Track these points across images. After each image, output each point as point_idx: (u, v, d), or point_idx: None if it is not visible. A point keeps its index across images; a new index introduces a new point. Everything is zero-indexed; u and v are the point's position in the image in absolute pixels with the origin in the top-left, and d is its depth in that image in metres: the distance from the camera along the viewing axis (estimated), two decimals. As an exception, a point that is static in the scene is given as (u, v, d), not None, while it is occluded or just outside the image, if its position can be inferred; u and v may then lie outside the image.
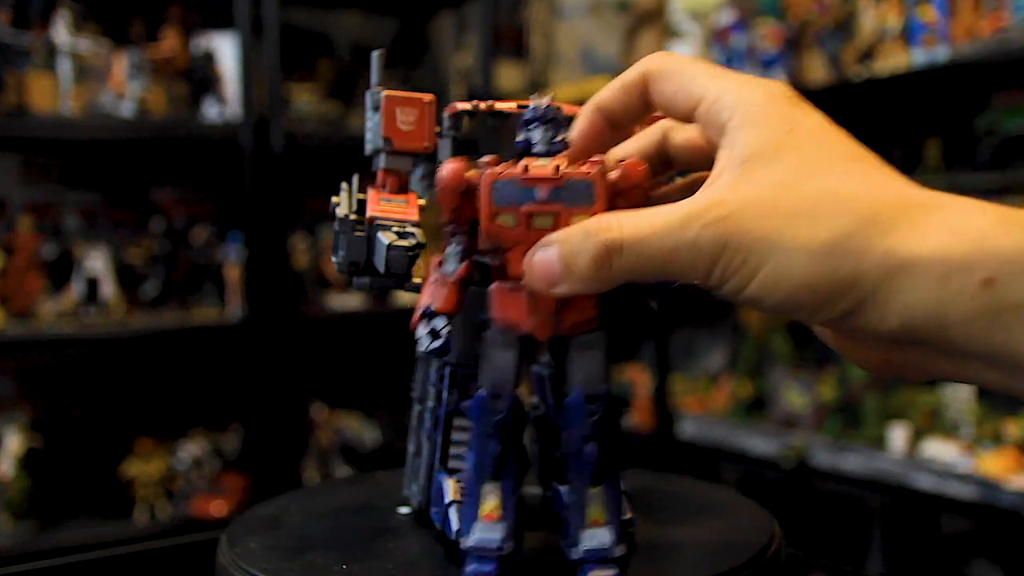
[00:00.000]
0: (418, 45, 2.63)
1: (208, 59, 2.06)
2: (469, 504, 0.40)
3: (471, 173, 0.39)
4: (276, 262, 2.06)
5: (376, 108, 0.49)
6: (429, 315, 0.40)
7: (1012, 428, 1.64)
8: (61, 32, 1.91)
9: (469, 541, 0.39)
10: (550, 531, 0.48)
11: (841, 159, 0.35)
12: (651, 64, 0.40)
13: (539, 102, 0.39)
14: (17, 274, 1.90)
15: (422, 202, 0.48)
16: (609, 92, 0.41)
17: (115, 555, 0.61)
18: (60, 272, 1.97)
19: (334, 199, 0.46)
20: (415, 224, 0.45)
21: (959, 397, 1.75)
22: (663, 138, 0.44)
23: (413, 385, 0.52)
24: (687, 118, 0.39)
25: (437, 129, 0.50)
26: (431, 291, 0.41)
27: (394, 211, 0.46)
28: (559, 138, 0.39)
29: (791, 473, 1.93)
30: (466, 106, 0.50)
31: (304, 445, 2.15)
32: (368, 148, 0.50)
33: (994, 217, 0.32)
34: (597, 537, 0.38)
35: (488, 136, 2.30)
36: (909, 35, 1.73)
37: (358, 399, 2.34)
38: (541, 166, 0.37)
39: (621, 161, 0.39)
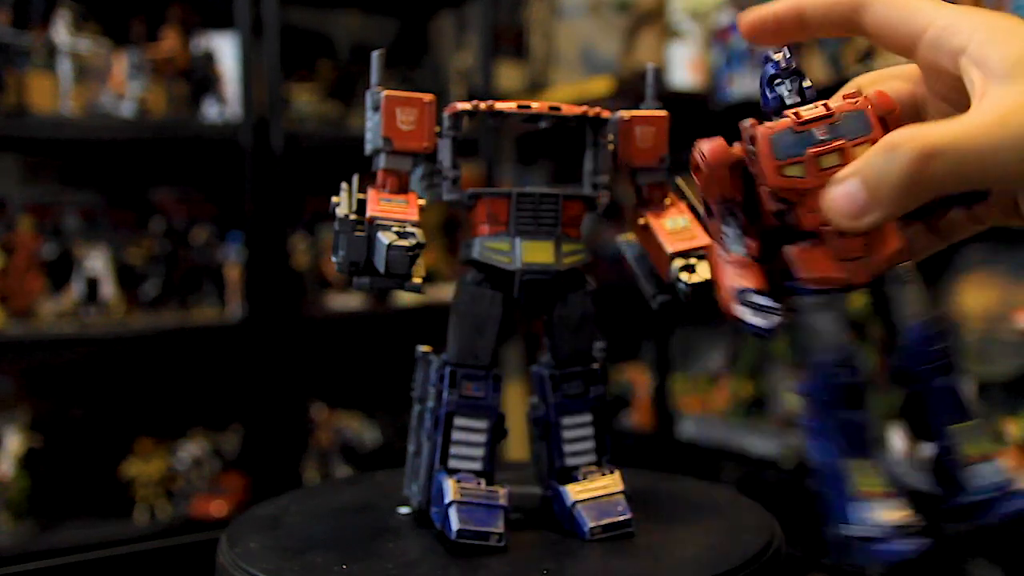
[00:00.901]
0: (418, 45, 2.63)
1: (208, 59, 2.06)
2: (836, 487, 0.35)
3: (730, 148, 0.38)
4: (276, 262, 2.06)
5: (376, 108, 0.49)
6: (748, 296, 0.37)
7: (1012, 428, 1.63)
8: (61, 32, 1.91)
9: (869, 523, 0.34)
10: (552, 527, 0.48)
11: None
12: None
13: (779, 56, 0.39)
14: (17, 274, 1.90)
15: (422, 202, 0.48)
16: (820, 3, 0.40)
17: (115, 555, 0.61)
18: (60, 272, 1.97)
19: (334, 199, 0.46)
20: (415, 224, 0.45)
21: (959, 397, 1.75)
22: (856, 9, 0.41)
23: (413, 385, 0.52)
24: (903, 48, 0.38)
25: (437, 129, 0.50)
26: (732, 272, 0.38)
27: (394, 211, 0.46)
28: (807, 84, 0.39)
29: (791, 473, 1.93)
30: (466, 106, 0.50)
31: (304, 445, 2.15)
32: (368, 148, 0.50)
33: None
34: (988, 471, 0.35)
35: (488, 136, 2.30)
36: (909, 35, 1.73)
37: (358, 399, 2.34)
38: (810, 109, 0.37)
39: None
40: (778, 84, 0.39)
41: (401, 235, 0.44)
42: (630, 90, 2.02)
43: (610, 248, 2.20)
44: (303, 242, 2.18)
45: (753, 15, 0.42)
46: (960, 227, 0.42)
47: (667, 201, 0.53)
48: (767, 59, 0.39)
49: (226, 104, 2.05)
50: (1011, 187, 0.35)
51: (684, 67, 2.17)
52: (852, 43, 1.85)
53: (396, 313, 2.23)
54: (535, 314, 0.51)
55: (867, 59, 1.81)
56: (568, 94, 2.26)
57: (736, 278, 0.38)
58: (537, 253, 0.49)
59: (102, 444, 2.07)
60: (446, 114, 0.50)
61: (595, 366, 0.52)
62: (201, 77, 2.05)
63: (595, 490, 0.48)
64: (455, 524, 0.45)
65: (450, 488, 0.46)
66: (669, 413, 2.26)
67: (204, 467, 2.02)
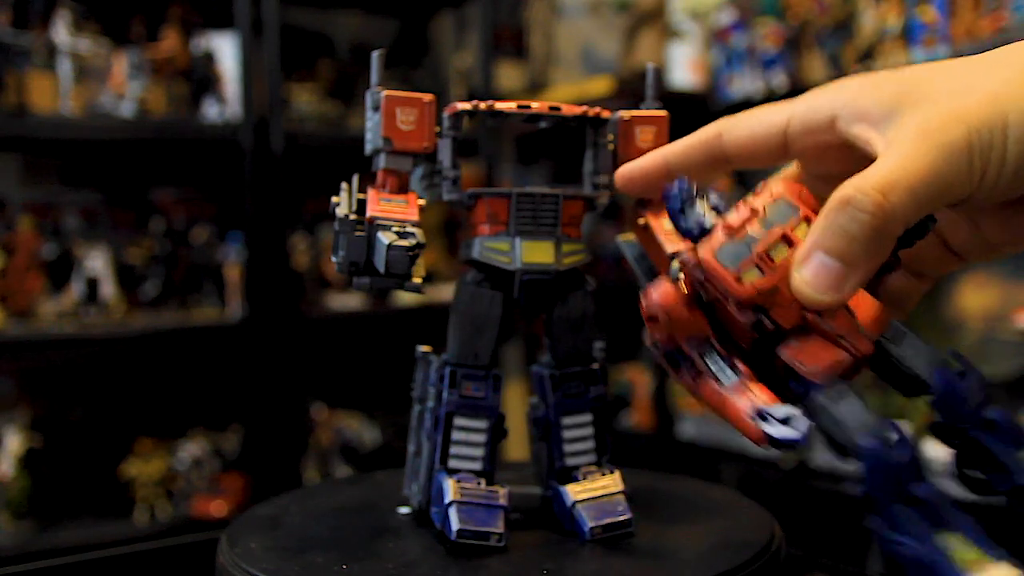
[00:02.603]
0: (418, 45, 2.63)
1: (208, 59, 2.06)
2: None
3: (671, 288, 0.38)
4: (276, 262, 2.06)
5: (376, 108, 0.49)
6: (767, 414, 0.36)
7: (1012, 428, 1.63)
8: (61, 32, 1.91)
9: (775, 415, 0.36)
10: (551, 528, 0.48)
11: (962, 60, 0.37)
12: (722, 122, 0.42)
13: (675, 186, 0.39)
14: (17, 274, 1.90)
15: (422, 202, 0.48)
16: (678, 149, 0.43)
17: (115, 555, 0.61)
18: (60, 272, 1.97)
19: (334, 199, 0.46)
20: (415, 224, 0.45)
21: (959, 397, 1.75)
22: (716, 137, 0.44)
23: (413, 385, 0.52)
24: (770, 152, 0.40)
25: (437, 129, 0.50)
26: (741, 398, 0.37)
27: (394, 211, 0.46)
28: (714, 199, 0.39)
29: (791, 473, 1.93)
30: (466, 106, 0.50)
31: (304, 445, 2.15)
32: (368, 148, 0.50)
33: None
34: None
35: (488, 136, 2.30)
36: (909, 35, 1.73)
37: (358, 399, 2.34)
38: (733, 215, 0.37)
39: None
40: (687, 212, 0.38)
41: (401, 235, 0.44)
42: (630, 90, 2.02)
43: (610, 248, 2.20)
44: (303, 242, 2.18)
45: (623, 172, 0.46)
46: (936, 262, 0.43)
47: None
48: (665, 195, 0.39)
49: (226, 104, 2.05)
50: (956, 198, 0.35)
51: (684, 67, 2.17)
52: (852, 43, 1.85)
53: (396, 313, 2.23)
54: (535, 314, 0.51)
55: (867, 59, 1.81)
56: (568, 94, 2.26)
57: (746, 402, 0.37)
58: (537, 253, 0.49)
59: (102, 444, 2.07)
60: (446, 114, 0.50)
61: (595, 366, 0.52)
62: (201, 77, 2.05)
63: (595, 490, 0.48)
64: (455, 524, 0.45)
65: (450, 488, 0.46)
66: (669, 413, 2.26)
67: (204, 467, 2.02)
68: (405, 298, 2.16)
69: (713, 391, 0.38)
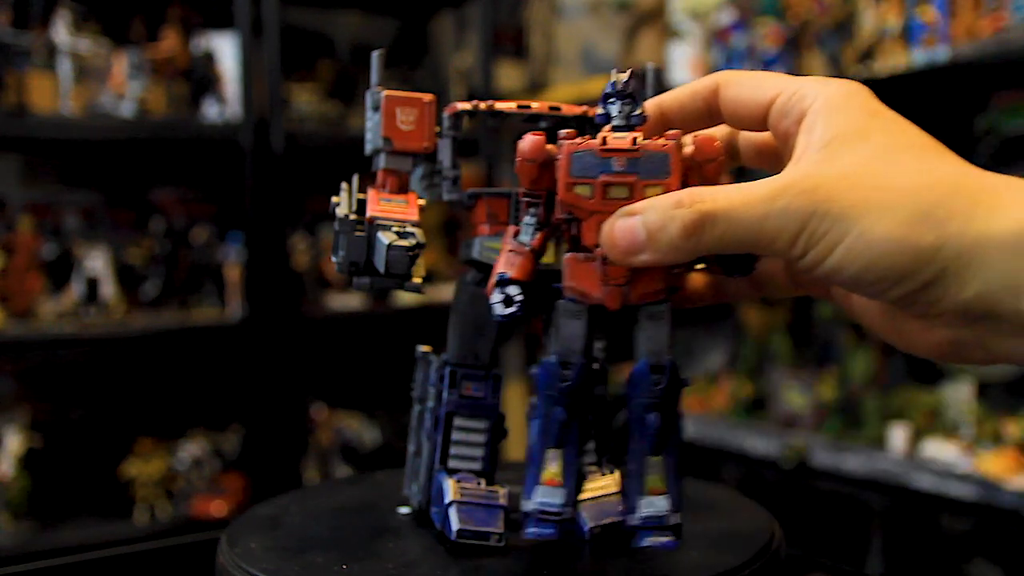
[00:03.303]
0: (418, 45, 2.63)
1: (208, 59, 2.06)
2: (532, 468, 0.40)
3: (550, 146, 0.40)
4: (276, 262, 2.06)
5: (376, 108, 0.49)
6: (503, 282, 0.40)
7: (1012, 428, 1.63)
8: (61, 32, 1.91)
9: (531, 504, 0.40)
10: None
11: (921, 144, 0.37)
12: (723, 75, 0.42)
13: (618, 77, 0.40)
14: (17, 274, 1.90)
15: (422, 202, 0.48)
16: (674, 95, 0.43)
17: (115, 555, 0.61)
18: (60, 272, 1.97)
19: (334, 199, 0.46)
20: (415, 224, 0.45)
21: (959, 397, 1.75)
22: (732, 131, 0.45)
23: (413, 385, 0.52)
24: (756, 121, 0.41)
25: (437, 129, 0.50)
26: (506, 259, 0.41)
27: (394, 211, 0.46)
28: (637, 112, 0.40)
29: (791, 473, 1.93)
30: (466, 106, 0.50)
31: (304, 445, 2.15)
32: (368, 148, 0.50)
33: None
34: (655, 505, 0.39)
35: (488, 136, 2.30)
36: (909, 35, 1.73)
37: (358, 399, 2.34)
38: (619, 138, 0.38)
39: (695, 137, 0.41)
40: (611, 103, 0.40)
41: (401, 235, 0.44)
42: (630, 90, 2.02)
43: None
44: (303, 242, 2.18)
45: None
46: (776, 286, 0.45)
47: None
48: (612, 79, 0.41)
49: (226, 104, 2.05)
50: (775, 255, 0.37)
51: (684, 67, 2.17)
52: (852, 43, 1.85)
53: (396, 313, 2.23)
54: (535, 314, 0.51)
55: (867, 59, 1.81)
56: (568, 94, 2.26)
57: (505, 264, 0.40)
58: (537, 253, 0.49)
59: (102, 444, 2.07)
60: (446, 114, 0.50)
61: (595, 366, 0.52)
62: (201, 77, 2.05)
63: (595, 490, 0.48)
64: (455, 524, 0.45)
65: (450, 488, 0.46)
66: (669, 413, 2.26)
67: (204, 467, 2.02)
68: (405, 298, 2.16)
69: (508, 238, 0.42)
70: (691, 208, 0.36)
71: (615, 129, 0.39)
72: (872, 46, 1.81)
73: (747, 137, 0.45)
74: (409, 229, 0.44)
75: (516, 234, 0.42)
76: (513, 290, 0.40)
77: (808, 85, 0.39)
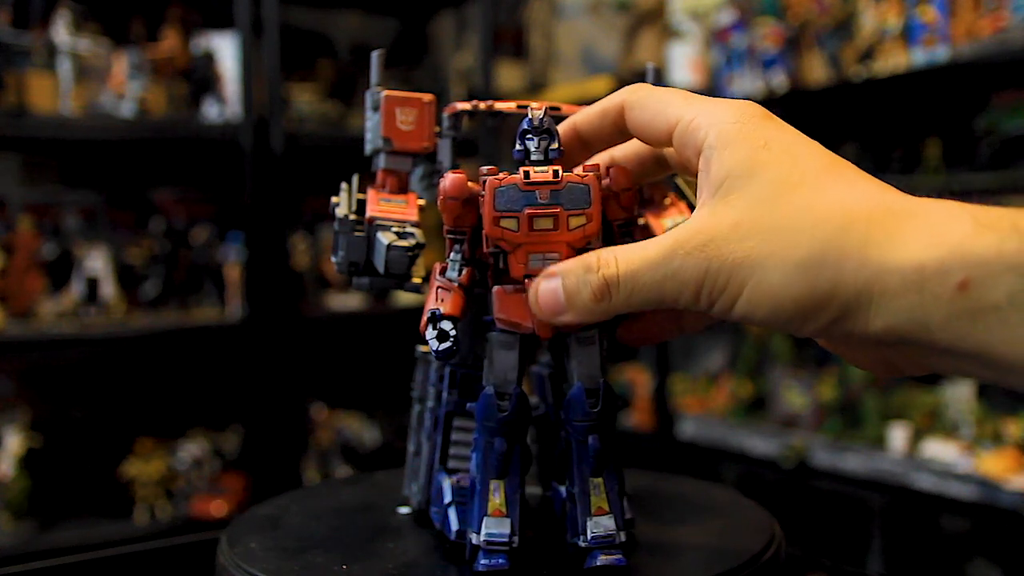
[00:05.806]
0: (418, 45, 2.63)
1: (208, 59, 2.06)
2: (476, 501, 0.41)
3: (472, 184, 0.41)
4: (276, 262, 2.06)
5: (376, 108, 0.48)
6: (436, 317, 0.40)
7: (1012, 428, 1.63)
8: (61, 32, 1.91)
9: (479, 537, 0.40)
10: (551, 527, 0.48)
11: (815, 172, 0.36)
12: (629, 93, 0.42)
13: (534, 114, 0.41)
14: (17, 274, 1.90)
15: (422, 202, 0.48)
16: (586, 116, 0.44)
17: (115, 555, 0.61)
18: (60, 272, 1.97)
19: (334, 199, 0.46)
20: (415, 224, 0.45)
21: (959, 397, 1.75)
22: (618, 111, 0.45)
23: (413, 385, 0.52)
24: (662, 143, 0.41)
25: (437, 129, 0.50)
26: (436, 295, 0.42)
27: (394, 211, 0.46)
28: (554, 146, 0.41)
29: (791, 473, 1.93)
30: (466, 106, 0.50)
31: (304, 445, 2.15)
32: (368, 148, 0.50)
33: (969, 221, 0.32)
34: (602, 524, 0.40)
35: (488, 136, 2.30)
36: (909, 35, 1.73)
37: (358, 399, 2.34)
38: (541, 171, 0.39)
39: (609, 167, 0.42)
40: (528, 139, 0.41)
41: (401, 235, 0.44)
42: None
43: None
44: (303, 242, 2.18)
45: None
46: (692, 323, 0.46)
47: (667, 201, 0.53)
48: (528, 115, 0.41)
49: (226, 104, 2.05)
50: (685, 308, 0.37)
51: (684, 67, 2.17)
52: (852, 43, 1.85)
53: (396, 313, 2.23)
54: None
55: (867, 59, 1.81)
56: (568, 94, 2.26)
57: (436, 301, 0.41)
58: (536, 253, 0.49)
59: (102, 444, 2.07)
60: (446, 114, 0.50)
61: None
62: (201, 77, 2.05)
63: (595, 490, 0.48)
64: (455, 524, 0.45)
65: (449, 488, 0.46)
66: (669, 413, 2.27)
67: (204, 467, 2.02)
68: (405, 298, 2.16)
69: (435, 276, 0.43)
70: (597, 274, 0.37)
71: (533, 164, 0.40)
72: (872, 46, 1.81)
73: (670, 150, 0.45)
74: (409, 229, 0.44)
75: (443, 271, 0.43)
76: (447, 325, 0.40)
77: (702, 115, 0.38)
